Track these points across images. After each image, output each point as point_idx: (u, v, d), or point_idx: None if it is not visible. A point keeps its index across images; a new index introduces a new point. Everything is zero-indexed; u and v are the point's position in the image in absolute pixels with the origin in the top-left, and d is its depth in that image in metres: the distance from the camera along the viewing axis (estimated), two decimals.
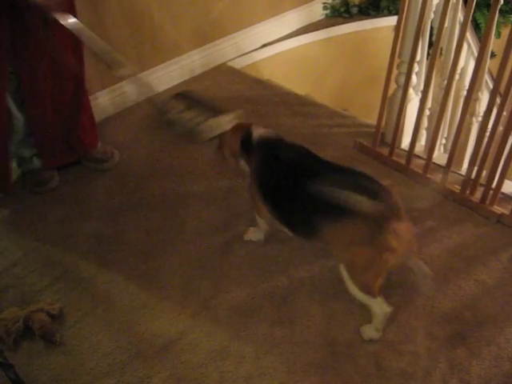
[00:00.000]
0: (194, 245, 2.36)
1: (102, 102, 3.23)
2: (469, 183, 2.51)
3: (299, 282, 2.17)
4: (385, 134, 2.91)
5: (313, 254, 2.29)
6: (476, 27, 4.45)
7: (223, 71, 3.74)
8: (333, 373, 1.85)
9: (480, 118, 2.87)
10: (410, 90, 2.69)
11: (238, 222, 2.46)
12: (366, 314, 2.02)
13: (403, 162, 2.72)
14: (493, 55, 3.07)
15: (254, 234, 2.36)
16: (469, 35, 2.80)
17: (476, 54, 2.88)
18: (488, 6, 4.45)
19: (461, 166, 2.87)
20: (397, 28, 2.55)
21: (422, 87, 2.71)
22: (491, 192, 2.44)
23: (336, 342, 1.95)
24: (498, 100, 2.33)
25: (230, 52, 3.82)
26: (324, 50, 4.26)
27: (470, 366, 1.86)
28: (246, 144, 2.11)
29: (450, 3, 2.34)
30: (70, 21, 2.20)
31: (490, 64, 2.55)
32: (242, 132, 2.14)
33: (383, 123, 2.83)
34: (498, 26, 4.38)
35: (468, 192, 2.53)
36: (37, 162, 2.72)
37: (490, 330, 1.98)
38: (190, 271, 2.24)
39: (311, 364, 1.88)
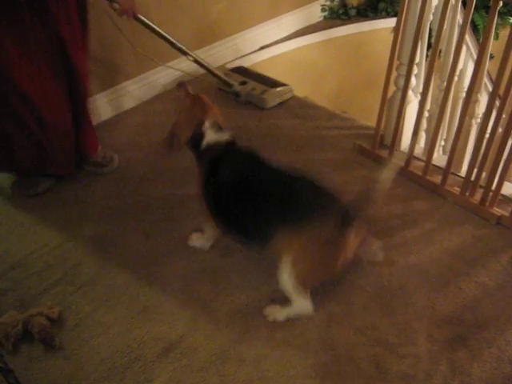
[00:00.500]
0: (194, 248, 2.35)
1: (100, 104, 3.22)
2: (468, 185, 2.51)
3: None
4: (384, 136, 2.91)
5: None
6: (474, 29, 4.45)
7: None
8: (334, 376, 1.85)
9: (479, 120, 2.88)
10: (410, 92, 2.69)
11: None
12: (367, 317, 2.03)
13: (403, 163, 2.72)
14: (491, 57, 3.07)
15: (198, 241, 2.35)
16: (467, 37, 2.81)
17: (475, 55, 2.89)
18: (486, 7, 4.46)
19: (460, 168, 2.87)
20: (396, 30, 2.55)
21: (421, 89, 2.71)
22: (491, 194, 2.44)
23: (337, 344, 1.95)
24: (497, 102, 2.33)
25: (228, 54, 3.83)
26: (322, 52, 4.26)
27: (471, 369, 1.85)
28: (197, 139, 2.04)
29: (449, 5, 2.34)
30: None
31: (488, 65, 2.55)
32: (196, 122, 2.03)
33: (382, 125, 2.83)
34: (496, 28, 4.37)
35: (468, 194, 2.53)
36: None
37: (491, 332, 1.98)
38: (190, 274, 2.23)
39: (312, 367, 1.87)
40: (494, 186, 2.41)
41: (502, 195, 2.50)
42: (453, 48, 2.49)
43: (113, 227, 2.50)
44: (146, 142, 3.09)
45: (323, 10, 4.39)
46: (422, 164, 2.68)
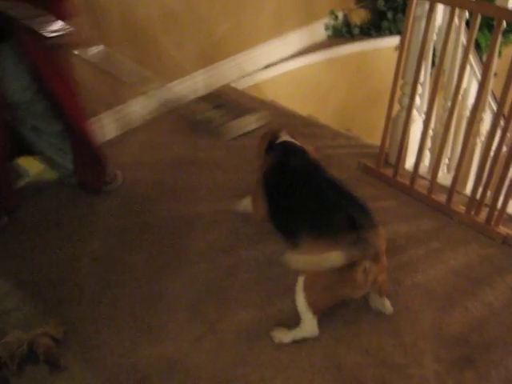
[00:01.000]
0: (199, 267, 2.35)
1: (106, 123, 3.24)
2: (474, 204, 2.51)
3: None
4: (388, 155, 2.91)
5: None
6: (477, 47, 4.47)
7: (226, 92, 3.75)
8: None
9: (483, 138, 2.88)
10: (414, 111, 2.70)
11: (242, 245, 2.46)
12: (373, 338, 2.02)
13: (407, 182, 2.72)
14: (494, 75, 3.08)
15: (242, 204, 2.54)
16: (471, 56, 2.82)
17: (478, 74, 2.90)
18: (489, 26, 4.47)
19: (465, 186, 2.87)
20: (400, 50, 2.56)
21: (425, 108, 2.72)
22: (496, 213, 2.43)
23: (343, 365, 1.94)
24: (502, 121, 2.34)
25: (232, 73, 3.85)
26: (326, 70, 4.28)
27: None
28: (269, 148, 2.30)
29: (453, 26, 2.36)
30: (97, 49, 2.37)
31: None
32: (270, 136, 2.34)
33: (387, 144, 2.83)
34: (499, 46, 4.40)
35: (473, 213, 2.52)
36: None
37: (498, 352, 1.97)
38: (196, 294, 2.23)
39: None
40: (499, 205, 2.41)
41: (508, 214, 2.50)
42: (457, 68, 2.50)
43: (117, 246, 2.50)
44: (151, 161, 3.10)
45: (327, 28, 4.42)
46: (427, 183, 2.68)
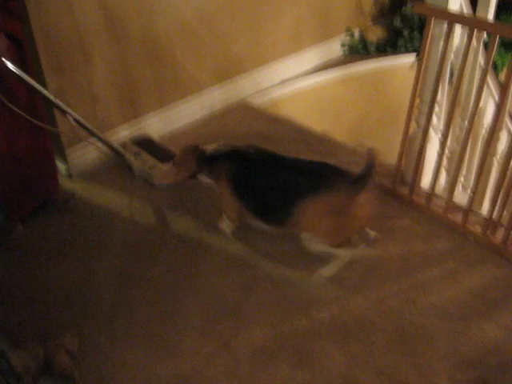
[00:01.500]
0: (214, 283, 2.36)
1: (123, 136, 3.26)
2: (490, 224, 2.50)
3: (319, 322, 2.16)
4: (404, 174, 2.91)
5: (333, 294, 2.28)
6: (493, 66, 4.47)
7: (242, 107, 3.77)
8: None
9: (500, 158, 2.87)
10: (430, 130, 2.70)
11: (257, 261, 2.46)
12: (388, 357, 2.01)
13: (423, 201, 2.71)
14: None
15: (223, 223, 2.59)
16: (489, 76, 2.82)
17: (495, 93, 2.90)
18: (504, 44, 4.48)
19: (481, 206, 2.85)
20: (417, 69, 2.57)
21: (441, 127, 2.72)
22: None
23: None
24: None
25: (249, 88, 3.87)
26: (342, 87, 4.29)
27: None
28: (203, 160, 2.45)
29: (471, 46, 2.37)
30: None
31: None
32: (194, 152, 2.47)
33: (403, 162, 2.83)
34: None
35: (489, 232, 2.51)
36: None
37: None
38: (211, 310, 2.23)
39: None
40: None
41: None
42: (474, 88, 2.50)
43: (133, 260, 2.51)
44: None
45: (343, 45, 4.44)
46: (443, 202, 2.67)
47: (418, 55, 4.29)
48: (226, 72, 3.72)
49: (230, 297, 2.29)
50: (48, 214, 2.80)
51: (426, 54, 2.52)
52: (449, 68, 2.66)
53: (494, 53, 2.25)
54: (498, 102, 2.34)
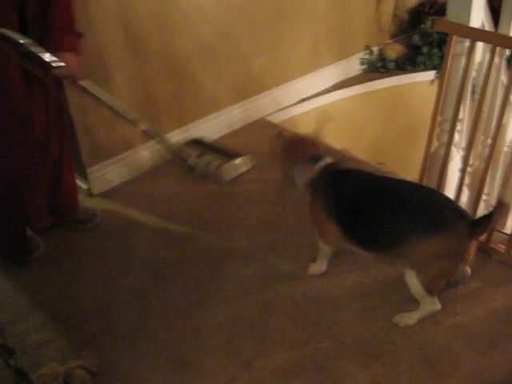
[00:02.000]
0: (235, 303, 2.34)
1: (144, 155, 3.28)
2: None
3: (342, 343, 2.13)
4: None
5: (356, 314, 2.25)
6: None
7: (261, 126, 3.77)
8: None
9: None
10: (452, 148, 2.67)
11: (278, 281, 2.44)
12: (412, 380, 1.97)
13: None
14: None
15: (315, 269, 2.46)
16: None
17: None
18: None
19: (505, 225, 2.81)
20: (439, 86, 2.55)
21: (463, 144, 2.70)
22: None
23: None
24: None
25: (268, 107, 3.87)
26: (361, 105, 4.28)
27: None
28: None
29: (493, 64, 2.35)
30: (87, 83, 2.39)
31: None
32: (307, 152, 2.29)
33: (425, 180, 2.81)
34: None
35: None
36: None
37: None
38: (231, 330, 2.21)
39: None
40: None
41: None
42: (497, 106, 2.48)
43: (154, 279, 2.50)
44: (188, 194, 3.11)
45: (362, 63, 4.43)
46: None
47: (437, 72, 4.27)
48: (246, 91, 3.73)
49: (251, 316, 2.27)
50: (67, 231, 2.81)
51: (447, 72, 2.50)
52: (470, 86, 2.65)
53: None
54: None
